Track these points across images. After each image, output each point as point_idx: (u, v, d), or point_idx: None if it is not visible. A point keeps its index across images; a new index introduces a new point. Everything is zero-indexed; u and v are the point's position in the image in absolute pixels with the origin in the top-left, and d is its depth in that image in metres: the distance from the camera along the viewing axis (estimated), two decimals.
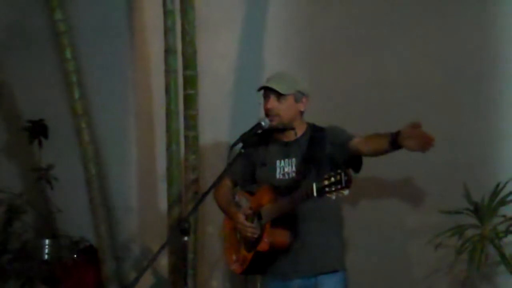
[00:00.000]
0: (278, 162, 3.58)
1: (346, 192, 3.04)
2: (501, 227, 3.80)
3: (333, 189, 3.06)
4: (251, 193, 3.66)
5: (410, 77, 4.26)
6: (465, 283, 4.05)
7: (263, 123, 3.50)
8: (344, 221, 3.68)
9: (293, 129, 3.57)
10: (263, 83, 3.57)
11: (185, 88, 4.68)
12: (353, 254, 4.05)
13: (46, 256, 5.56)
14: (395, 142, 3.16)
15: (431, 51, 4.20)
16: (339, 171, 3.05)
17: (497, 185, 3.82)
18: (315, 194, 3.13)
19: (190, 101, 4.67)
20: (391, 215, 4.31)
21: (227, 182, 3.72)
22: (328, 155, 3.46)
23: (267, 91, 3.53)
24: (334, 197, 3.08)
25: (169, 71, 4.70)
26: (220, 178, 3.46)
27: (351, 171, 3.12)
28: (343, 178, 3.03)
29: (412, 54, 4.26)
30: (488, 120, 4.03)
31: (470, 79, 4.08)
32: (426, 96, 4.18)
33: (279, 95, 3.50)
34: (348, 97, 4.44)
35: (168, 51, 4.70)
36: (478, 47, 4.06)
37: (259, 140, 3.63)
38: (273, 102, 3.51)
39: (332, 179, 3.06)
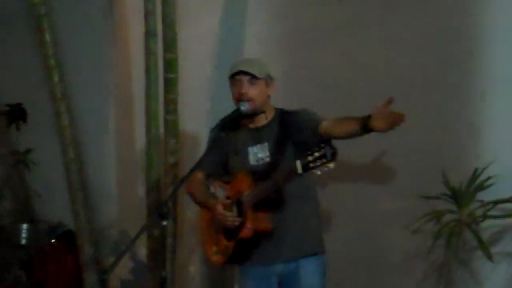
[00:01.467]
0: (250, 148, 3.56)
1: (332, 165, 3.01)
2: (478, 212, 3.83)
3: (318, 164, 3.03)
4: (226, 182, 3.62)
5: (391, 64, 4.26)
6: (442, 268, 4.08)
7: (242, 108, 3.49)
8: (321, 206, 3.67)
9: (264, 113, 3.55)
10: (235, 67, 3.52)
11: (165, 72, 4.65)
12: (331, 239, 4.04)
13: (23, 241, 5.53)
14: (366, 125, 3.14)
15: (412, 36, 4.20)
16: (322, 145, 3.03)
17: (475, 171, 3.84)
18: (300, 171, 3.09)
19: (170, 84, 4.63)
20: (368, 200, 4.32)
21: (200, 175, 3.66)
22: (300, 137, 3.44)
23: (240, 75, 3.49)
24: (319, 173, 3.05)
25: (149, 54, 4.67)
26: (198, 163, 3.45)
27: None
28: (328, 151, 3.01)
29: (393, 40, 4.26)
30: (467, 106, 4.05)
31: (450, 66, 4.09)
32: (406, 83, 4.18)
33: (252, 80, 3.48)
34: (328, 83, 4.44)
35: (148, 34, 4.66)
36: (460, 31, 4.07)
37: (229, 128, 3.59)
38: (247, 86, 3.48)
39: (316, 154, 3.03)
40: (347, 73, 4.39)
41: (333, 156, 3.00)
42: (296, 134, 3.47)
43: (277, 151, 3.49)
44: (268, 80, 3.54)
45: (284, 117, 3.56)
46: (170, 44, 4.60)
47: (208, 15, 4.87)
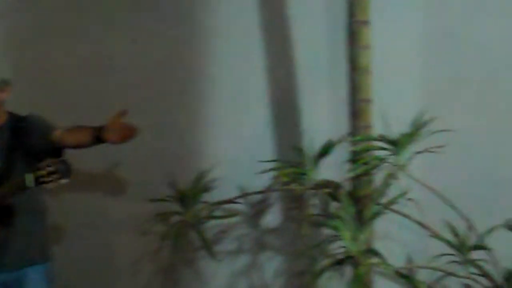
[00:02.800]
0: None
1: (64, 181, 3.01)
2: (203, 213, 3.97)
3: (51, 179, 3.00)
4: None
5: (119, 65, 4.26)
6: (169, 269, 4.19)
7: None
8: (50, 212, 3.60)
9: None
10: None
11: None
12: (60, 245, 3.99)
13: None
14: (99, 136, 3.19)
15: (146, 40, 4.24)
16: (56, 160, 3.01)
17: (200, 173, 3.99)
18: (30, 184, 3.04)
19: None
20: (97, 206, 4.31)
21: None
22: (32, 145, 3.36)
23: None
24: (51, 187, 3.02)
25: None
26: None
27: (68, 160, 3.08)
28: (61, 167, 3.00)
29: (119, 42, 4.27)
30: (195, 111, 4.18)
31: (180, 70, 4.19)
32: (136, 85, 4.22)
33: None
34: (57, 86, 4.34)
35: None
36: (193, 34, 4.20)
37: None
38: None
39: (49, 168, 3.00)
40: (78, 76, 4.31)
41: (67, 173, 3.01)
42: (27, 142, 3.37)
43: (6, 159, 3.36)
44: (1, 85, 3.40)
45: (16, 123, 3.43)
46: None
47: None
